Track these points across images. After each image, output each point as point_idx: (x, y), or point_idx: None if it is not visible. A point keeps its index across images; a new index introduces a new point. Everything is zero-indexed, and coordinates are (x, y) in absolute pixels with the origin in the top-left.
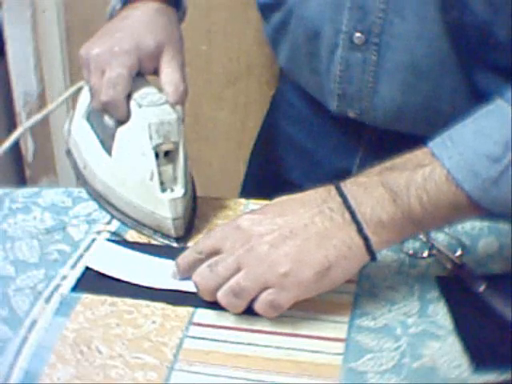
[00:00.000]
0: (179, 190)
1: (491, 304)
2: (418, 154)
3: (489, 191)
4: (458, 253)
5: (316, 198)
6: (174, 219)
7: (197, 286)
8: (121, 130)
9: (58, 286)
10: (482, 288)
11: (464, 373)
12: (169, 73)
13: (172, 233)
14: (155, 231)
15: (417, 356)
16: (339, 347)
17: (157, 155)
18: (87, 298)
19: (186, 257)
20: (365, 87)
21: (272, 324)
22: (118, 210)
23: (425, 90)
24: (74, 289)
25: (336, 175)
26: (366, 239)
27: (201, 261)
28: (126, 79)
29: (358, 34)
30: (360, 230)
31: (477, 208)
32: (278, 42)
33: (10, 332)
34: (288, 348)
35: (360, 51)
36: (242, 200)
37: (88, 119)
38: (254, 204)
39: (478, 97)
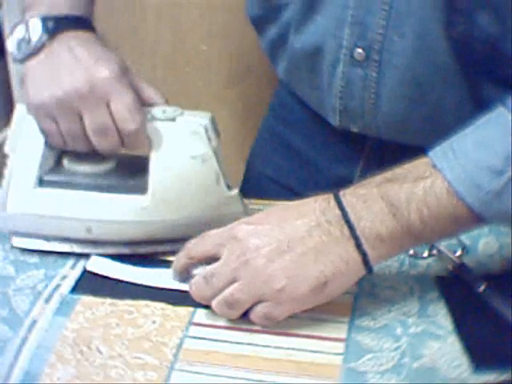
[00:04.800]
0: (231, 187)
1: (491, 304)
2: (419, 165)
3: (491, 204)
4: (458, 253)
5: (314, 209)
6: (244, 213)
7: (192, 296)
8: (155, 156)
9: (57, 286)
10: (481, 288)
11: (464, 373)
12: (145, 87)
13: None
14: None
15: (417, 356)
16: (339, 347)
17: None
18: (87, 297)
19: (179, 260)
20: (366, 103)
21: (272, 324)
22: (176, 240)
23: (428, 104)
24: (74, 291)
25: (337, 184)
26: (364, 254)
27: (193, 265)
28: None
29: (358, 50)
30: (358, 246)
31: (478, 220)
32: (275, 55)
33: (10, 332)
34: (288, 348)
35: (361, 67)
36: None
37: (41, 185)
38: (255, 204)
39: (484, 107)
